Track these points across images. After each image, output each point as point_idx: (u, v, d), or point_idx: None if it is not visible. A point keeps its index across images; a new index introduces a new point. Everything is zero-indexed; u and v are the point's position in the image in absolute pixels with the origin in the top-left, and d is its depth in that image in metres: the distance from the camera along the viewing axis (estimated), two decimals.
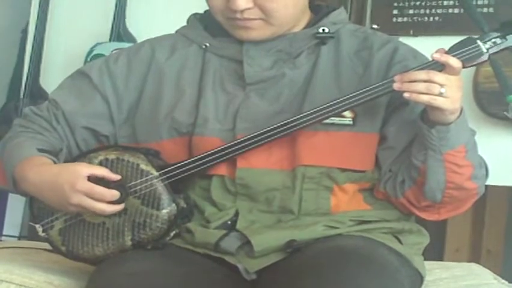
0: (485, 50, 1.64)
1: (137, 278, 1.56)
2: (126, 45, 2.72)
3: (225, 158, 1.68)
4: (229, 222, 1.68)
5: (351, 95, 1.65)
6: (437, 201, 1.68)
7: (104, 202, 1.64)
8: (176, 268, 1.60)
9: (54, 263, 1.81)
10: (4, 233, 3.61)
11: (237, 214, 1.68)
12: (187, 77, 1.79)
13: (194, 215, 1.71)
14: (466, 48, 1.64)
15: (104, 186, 1.65)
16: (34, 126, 1.81)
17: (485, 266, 2.10)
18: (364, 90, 1.65)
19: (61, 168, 1.69)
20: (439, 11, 2.75)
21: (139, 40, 2.05)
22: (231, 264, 1.64)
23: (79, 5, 3.28)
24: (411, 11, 2.80)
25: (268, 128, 1.66)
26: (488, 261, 3.16)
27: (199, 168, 1.69)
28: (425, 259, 1.77)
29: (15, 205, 3.57)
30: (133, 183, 1.68)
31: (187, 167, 1.69)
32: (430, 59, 1.64)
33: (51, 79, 3.18)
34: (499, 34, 1.65)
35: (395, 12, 2.82)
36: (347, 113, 1.69)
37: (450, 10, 2.74)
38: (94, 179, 1.65)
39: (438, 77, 1.59)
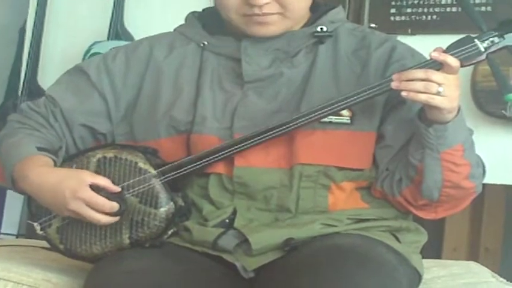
0: (483, 49, 1.64)
1: (135, 276, 1.56)
2: (124, 43, 2.70)
3: (222, 156, 1.68)
4: (227, 221, 1.68)
5: (349, 94, 1.65)
6: (434, 200, 1.68)
7: (101, 212, 1.64)
8: (174, 266, 1.60)
9: (53, 261, 1.81)
10: (2, 231, 3.61)
11: (234, 212, 1.68)
12: (185, 75, 1.79)
13: (192, 213, 1.72)
14: (464, 47, 1.63)
15: (103, 195, 1.65)
16: (31, 122, 1.81)
17: (484, 264, 2.11)
18: (362, 89, 1.65)
19: (65, 173, 1.68)
20: (437, 9, 2.75)
21: (137, 39, 2.05)
22: (228, 262, 1.64)
23: (77, 3, 3.28)
24: (409, 10, 2.80)
25: (266, 128, 1.66)
26: (486, 260, 3.17)
27: (197, 167, 1.69)
28: (423, 257, 1.77)
29: (14, 203, 3.57)
30: (131, 181, 1.68)
31: (185, 166, 1.69)
32: (428, 57, 1.64)
33: (49, 77, 3.17)
34: (496, 33, 1.65)
35: (393, 11, 2.82)
36: (345, 112, 1.68)
37: (448, 9, 2.74)
38: (94, 188, 1.65)
39: (436, 75, 1.59)
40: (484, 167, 1.73)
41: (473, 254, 3.27)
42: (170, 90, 1.78)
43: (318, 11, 1.81)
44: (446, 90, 1.58)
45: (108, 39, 3.11)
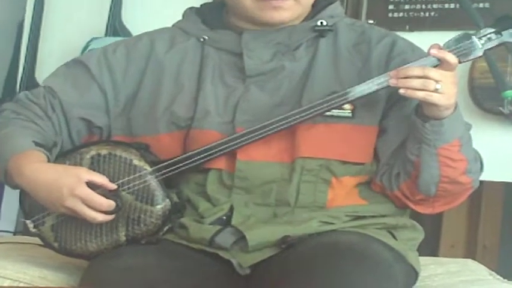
0: (480, 46, 1.65)
1: (131, 273, 1.56)
2: None
3: (223, 152, 1.68)
4: (224, 218, 1.67)
5: (347, 90, 1.65)
6: (431, 195, 1.69)
7: (98, 211, 1.64)
8: (170, 263, 1.60)
9: (49, 258, 1.81)
10: None
11: (231, 210, 1.68)
12: (186, 71, 1.79)
13: (187, 210, 1.71)
14: (462, 44, 1.64)
15: (100, 193, 1.64)
16: (27, 113, 1.79)
17: (481, 261, 2.11)
18: (362, 84, 1.65)
19: (61, 170, 1.67)
20: (435, 6, 2.74)
21: (135, 35, 2.05)
22: (225, 259, 1.64)
23: None
24: (407, 6, 2.79)
25: (268, 122, 1.66)
26: (484, 257, 3.17)
27: (195, 164, 1.69)
28: (420, 255, 1.77)
29: (11, 200, 3.56)
30: (126, 179, 1.68)
31: (183, 162, 1.69)
32: (427, 53, 1.64)
33: (47, 73, 3.09)
34: (494, 30, 1.66)
35: (391, 7, 2.81)
36: (346, 105, 1.69)
37: (446, 5, 2.73)
38: (90, 185, 1.64)
39: (433, 73, 1.59)
40: (481, 161, 1.73)
41: (470, 251, 3.27)
42: (172, 86, 1.78)
43: (318, 5, 1.81)
44: (443, 88, 1.58)
45: (106, 35, 3.10)
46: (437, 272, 1.92)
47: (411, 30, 2.75)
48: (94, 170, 1.68)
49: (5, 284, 1.69)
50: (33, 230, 1.74)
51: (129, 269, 1.57)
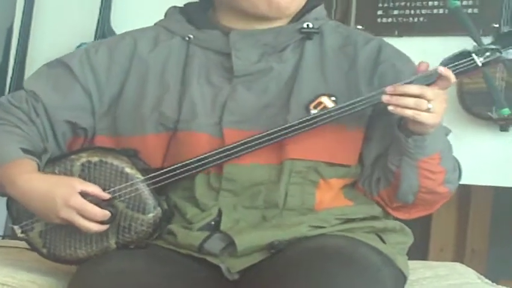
0: (480, 64, 1.63)
1: (120, 277, 1.55)
2: None
3: (217, 162, 1.66)
4: (213, 223, 1.67)
5: (341, 106, 1.65)
6: (409, 203, 1.72)
7: (93, 221, 1.63)
8: (159, 267, 1.60)
9: (38, 262, 1.80)
10: None
11: (219, 214, 1.67)
12: (171, 70, 1.77)
13: (174, 217, 1.70)
14: (461, 62, 1.63)
15: (93, 201, 1.63)
16: (11, 118, 1.76)
17: (470, 265, 2.11)
18: (354, 101, 1.64)
19: (55, 181, 1.66)
20: (424, 11, 2.75)
21: None
22: (214, 264, 1.64)
23: (64, 4, 3.27)
24: (395, 12, 2.80)
25: (257, 136, 1.65)
26: (472, 261, 3.18)
27: (188, 173, 1.67)
28: (409, 259, 1.77)
29: None
30: (117, 187, 1.67)
31: (176, 171, 1.67)
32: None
33: None
34: (493, 47, 1.64)
35: (380, 12, 2.82)
36: None
37: (435, 11, 2.74)
38: (83, 194, 1.63)
39: (429, 92, 1.59)
40: (460, 170, 1.75)
41: (459, 255, 3.28)
42: (157, 86, 1.76)
43: (303, 8, 1.81)
44: (435, 107, 1.59)
45: (95, 39, 3.10)
46: (426, 276, 1.92)
47: (400, 35, 2.76)
48: (85, 178, 1.67)
49: None
50: (21, 236, 1.72)
51: (117, 273, 1.57)
